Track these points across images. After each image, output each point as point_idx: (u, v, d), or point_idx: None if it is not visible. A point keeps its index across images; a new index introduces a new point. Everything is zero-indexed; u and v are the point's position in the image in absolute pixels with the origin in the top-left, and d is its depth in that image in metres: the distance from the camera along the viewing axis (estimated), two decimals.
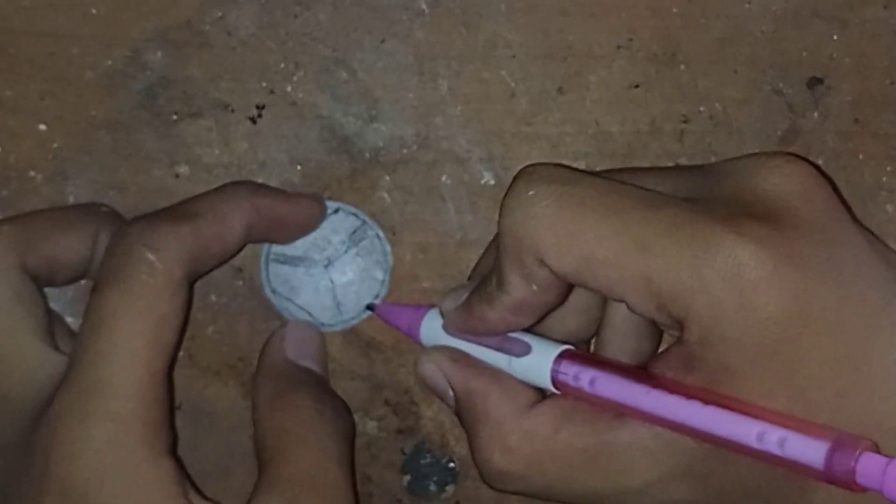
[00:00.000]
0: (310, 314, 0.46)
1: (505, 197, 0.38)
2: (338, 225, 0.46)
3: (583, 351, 0.41)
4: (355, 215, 0.46)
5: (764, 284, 0.35)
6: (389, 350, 0.47)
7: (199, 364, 0.46)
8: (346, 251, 0.46)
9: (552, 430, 0.38)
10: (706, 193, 0.38)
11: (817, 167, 0.38)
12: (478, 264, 0.44)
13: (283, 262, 0.46)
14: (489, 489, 0.46)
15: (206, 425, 0.46)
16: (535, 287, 0.38)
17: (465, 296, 0.41)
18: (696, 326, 0.35)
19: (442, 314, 0.42)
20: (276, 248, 0.46)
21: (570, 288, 0.39)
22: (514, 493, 0.40)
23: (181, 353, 0.46)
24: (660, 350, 0.42)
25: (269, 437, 0.42)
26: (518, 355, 0.40)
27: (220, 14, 0.46)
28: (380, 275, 0.46)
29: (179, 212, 0.41)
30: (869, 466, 0.32)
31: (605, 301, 0.42)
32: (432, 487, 0.47)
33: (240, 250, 0.43)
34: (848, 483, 0.33)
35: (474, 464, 0.40)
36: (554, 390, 0.39)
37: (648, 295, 0.36)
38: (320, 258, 0.46)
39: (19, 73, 0.45)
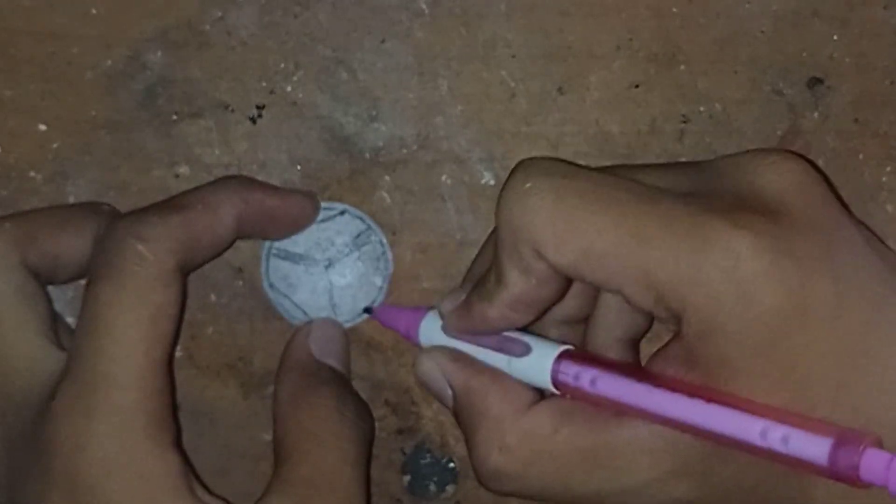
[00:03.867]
0: (305, 313, 0.46)
1: (502, 190, 0.38)
2: (343, 227, 0.46)
3: (583, 350, 0.41)
4: (361, 219, 0.46)
5: (762, 277, 0.35)
6: (389, 350, 0.47)
7: (199, 364, 0.46)
8: (347, 254, 0.46)
9: (551, 430, 0.38)
10: (703, 188, 0.38)
11: (813, 164, 0.38)
12: (471, 267, 0.44)
13: (283, 258, 0.46)
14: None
15: (206, 425, 0.46)
16: (533, 281, 0.38)
17: (463, 296, 0.41)
18: (695, 319, 0.35)
19: (441, 315, 0.42)
20: (278, 244, 0.46)
21: (568, 282, 0.39)
22: (511, 495, 0.40)
23: (181, 354, 0.46)
24: (657, 344, 0.42)
25: (289, 435, 0.42)
26: (518, 355, 0.40)
27: (220, 14, 0.46)
28: (379, 281, 0.46)
29: (169, 204, 0.42)
30: (873, 462, 0.32)
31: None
32: (432, 487, 0.47)
33: (232, 243, 0.43)
34: (852, 479, 0.33)
35: (472, 464, 0.40)
36: (554, 390, 0.39)
37: (646, 288, 0.36)
38: (322, 258, 0.46)
39: (19, 73, 0.45)
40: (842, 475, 0.33)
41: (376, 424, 0.46)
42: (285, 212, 0.44)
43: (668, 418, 0.36)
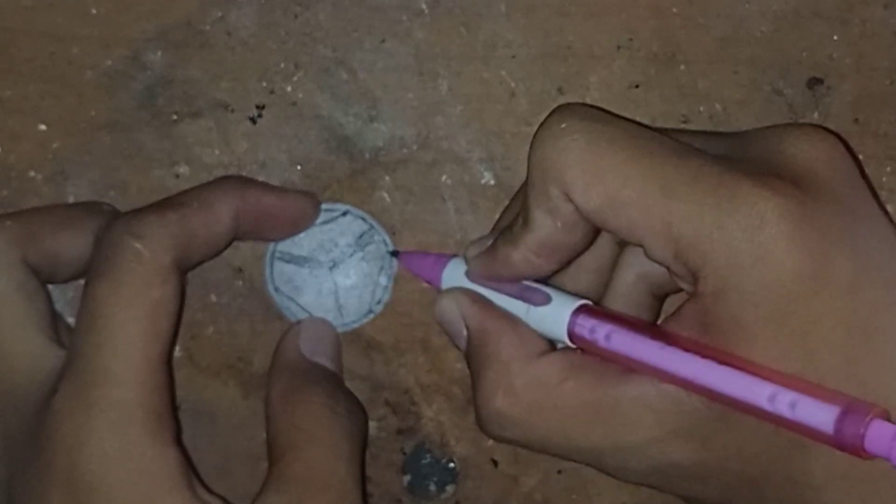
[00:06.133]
0: (311, 315, 0.46)
1: (537, 130, 0.38)
2: (345, 228, 0.46)
3: (601, 307, 0.41)
4: (363, 219, 0.46)
5: (784, 240, 0.35)
6: (389, 350, 0.47)
7: (199, 364, 0.46)
8: (351, 255, 0.46)
9: (559, 379, 0.38)
10: (734, 154, 0.38)
11: (845, 143, 0.38)
12: (499, 219, 0.44)
13: (287, 261, 0.46)
14: (489, 489, 0.46)
15: (206, 425, 0.46)
16: (559, 224, 0.38)
17: (489, 243, 0.41)
18: (713, 277, 0.35)
19: (466, 261, 0.42)
20: (282, 247, 0.46)
21: (593, 232, 0.39)
22: (509, 442, 0.40)
23: (181, 354, 0.46)
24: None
25: (281, 434, 0.42)
26: (537, 304, 0.40)
27: (220, 14, 0.46)
28: (384, 280, 0.46)
29: (166, 202, 0.42)
30: (878, 433, 0.32)
31: (613, 265, 0.42)
32: (432, 487, 0.47)
33: (230, 242, 0.43)
34: (856, 449, 0.33)
35: (474, 406, 0.40)
36: (568, 342, 0.39)
37: (667, 240, 0.36)
38: (326, 260, 0.46)
39: (19, 73, 0.45)
40: (847, 444, 0.33)
41: (376, 424, 0.47)
42: (283, 210, 0.45)
43: (679, 377, 0.36)
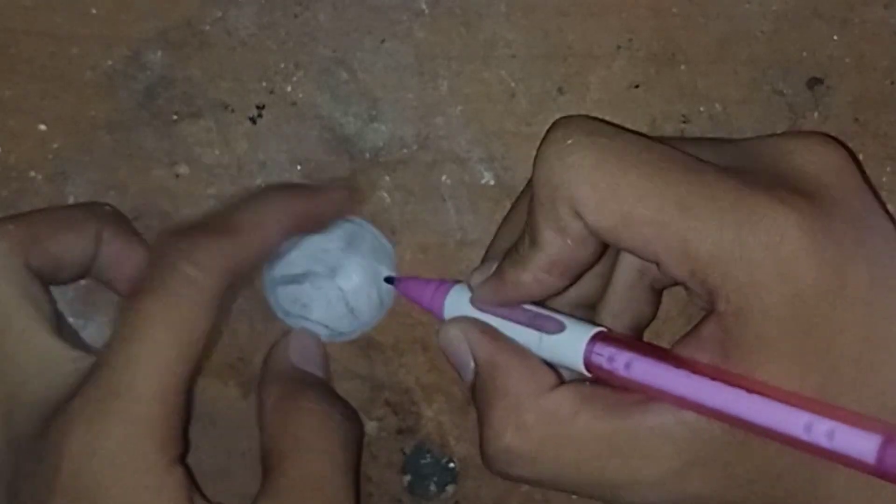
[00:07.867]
0: (327, 327, 0.46)
1: (540, 146, 0.37)
2: (332, 233, 0.45)
3: (618, 333, 0.40)
4: (348, 220, 0.46)
5: (804, 255, 0.35)
6: (389, 350, 0.47)
7: None
8: (347, 256, 0.46)
9: (572, 412, 0.37)
10: (741, 165, 0.38)
11: (846, 147, 0.38)
12: (492, 244, 0.44)
13: (289, 283, 0.46)
14: (489, 489, 0.46)
15: (206, 425, 0.46)
16: (569, 241, 0.37)
17: (493, 267, 0.40)
18: (735, 294, 0.35)
19: (470, 288, 0.41)
20: (277, 272, 0.45)
21: (603, 246, 0.38)
22: (517, 480, 0.39)
23: None
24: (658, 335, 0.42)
25: (276, 442, 0.42)
26: (550, 332, 0.39)
27: (220, 14, 0.46)
28: (385, 272, 0.46)
29: (221, 226, 0.41)
30: None
31: (614, 265, 0.42)
32: (432, 487, 0.47)
33: None
34: None
35: (480, 444, 0.39)
36: (584, 371, 0.38)
37: (685, 258, 0.35)
38: (324, 269, 0.46)
39: (19, 73, 0.45)
40: (889, 473, 0.32)
41: (376, 424, 0.47)
42: (324, 211, 0.44)
43: (707, 407, 0.35)
